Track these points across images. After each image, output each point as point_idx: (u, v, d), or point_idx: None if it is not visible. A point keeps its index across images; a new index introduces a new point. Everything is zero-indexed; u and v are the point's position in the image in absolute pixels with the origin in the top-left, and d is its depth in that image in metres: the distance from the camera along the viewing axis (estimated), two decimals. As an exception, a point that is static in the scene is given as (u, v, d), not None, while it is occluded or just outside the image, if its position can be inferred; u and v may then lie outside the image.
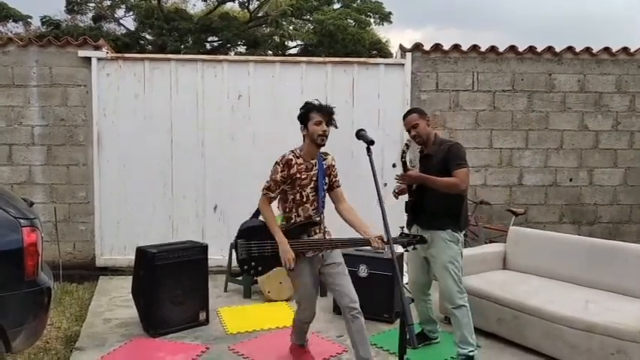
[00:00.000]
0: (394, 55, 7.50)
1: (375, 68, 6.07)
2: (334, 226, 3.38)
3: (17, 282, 2.90)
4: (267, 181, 3.22)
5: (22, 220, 2.95)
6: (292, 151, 3.24)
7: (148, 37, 15.78)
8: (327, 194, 3.32)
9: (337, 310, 4.44)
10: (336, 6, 15.98)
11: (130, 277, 4.43)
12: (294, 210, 3.23)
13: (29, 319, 2.97)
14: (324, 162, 3.28)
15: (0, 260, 2.88)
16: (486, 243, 5.65)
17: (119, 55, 6.10)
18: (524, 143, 6.24)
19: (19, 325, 2.91)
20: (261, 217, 3.32)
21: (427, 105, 5.98)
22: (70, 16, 16.22)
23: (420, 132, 3.59)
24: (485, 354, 3.75)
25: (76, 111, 5.87)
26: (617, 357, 3.27)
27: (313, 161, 3.23)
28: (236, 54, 15.68)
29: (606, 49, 6.23)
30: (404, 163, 3.62)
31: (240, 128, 5.99)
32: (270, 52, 15.06)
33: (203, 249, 4.39)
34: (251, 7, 16.12)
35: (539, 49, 6.17)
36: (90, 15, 16.00)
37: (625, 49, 6.24)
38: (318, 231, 3.28)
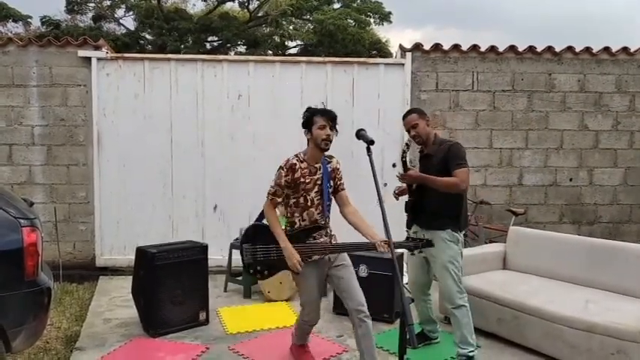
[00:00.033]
0: (394, 55, 7.50)
1: (375, 68, 6.07)
2: (341, 230, 3.35)
3: (17, 282, 2.90)
4: (272, 186, 3.20)
5: (22, 220, 2.95)
6: (296, 156, 3.23)
7: (147, 37, 15.78)
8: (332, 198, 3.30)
9: (337, 310, 4.44)
10: (336, 6, 15.98)
11: (130, 277, 4.43)
12: (297, 214, 3.21)
13: (29, 319, 2.97)
14: (328, 165, 3.26)
15: (0, 260, 2.88)
16: (486, 243, 5.65)
17: (119, 55, 6.10)
18: (524, 143, 6.24)
19: (19, 325, 2.91)
20: (264, 221, 3.31)
21: (427, 105, 5.98)
22: (70, 16, 16.23)
23: (419, 132, 3.59)
24: (485, 354, 3.75)
25: (76, 111, 5.87)
26: (617, 357, 3.27)
27: (317, 165, 3.22)
28: (236, 54, 15.68)
29: (606, 49, 6.23)
30: (404, 163, 3.62)
31: (240, 128, 5.99)
32: (270, 52, 15.06)
33: (203, 249, 4.39)
34: (251, 7, 16.12)
35: (539, 49, 6.17)
36: (90, 15, 16.02)
37: (625, 49, 6.24)
38: (324, 235, 3.25)
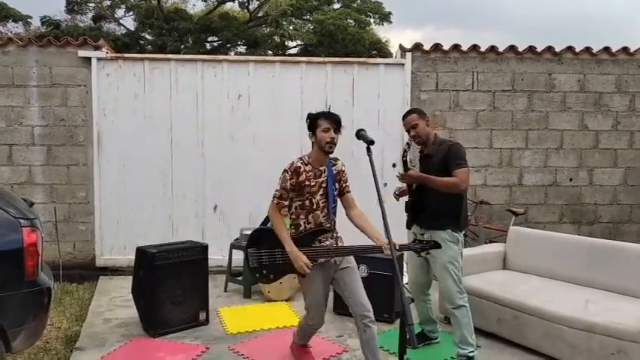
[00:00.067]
0: (394, 55, 7.50)
1: (375, 68, 6.07)
2: (347, 232, 3.34)
3: (17, 282, 2.90)
4: (278, 190, 3.18)
5: (22, 220, 2.95)
6: (301, 158, 3.23)
7: (147, 37, 15.78)
8: (338, 200, 3.29)
9: (337, 310, 4.44)
10: (336, 6, 15.98)
11: (130, 277, 4.43)
12: (302, 217, 3.19)
13: (29, 319, 2.97)
14: (333, 168, 3.24)
15: (0, 260, 2.88)
16: (486, 243, 5.65)
17: (119, 55, 6.10)
18: (524, 143, 6.24)
19: (19, 325, 2.91)
20: (269, 225, 3.30)
21: (427, 105, 5.98)
22: (70, 16, 16.24)
23: (419, 132, 3.59)
24: (485, 354, 3.75)
25: (76, 111, 5.87)
26: (617, 357, 3.27)
27: (322, 168, 3.20)
28: (236, 54, 15.68)
29: (606, 49, 6.23)
30: (404, 163, 3.62)
31: (240, 128, 5.99)
32: (270, 52, 15.06)
33: (203, 249, 4.39)
34: (251, 7, 16.12)
35: (539, 49, 6.17)
36: (90, 15, 16.02)
37: (625, 49, 6.24)
38: (329, 237, 3.23)
